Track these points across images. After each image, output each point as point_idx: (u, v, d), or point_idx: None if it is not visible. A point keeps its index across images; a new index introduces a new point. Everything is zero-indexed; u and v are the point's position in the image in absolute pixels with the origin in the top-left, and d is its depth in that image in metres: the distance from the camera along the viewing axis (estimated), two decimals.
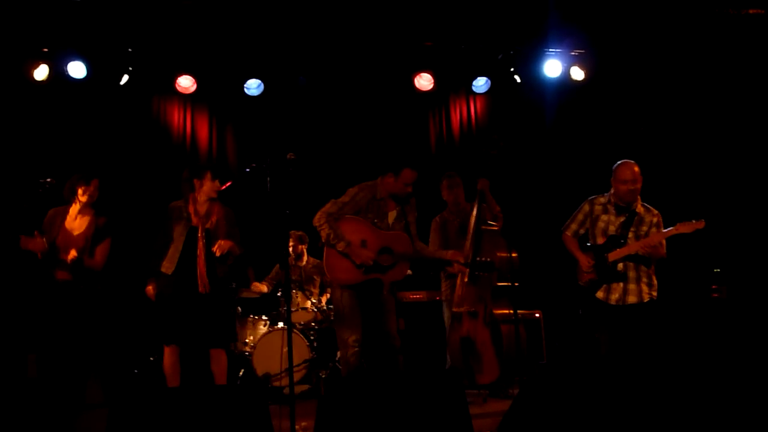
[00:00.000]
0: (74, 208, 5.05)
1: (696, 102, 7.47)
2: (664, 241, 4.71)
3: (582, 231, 4.97)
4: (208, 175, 4.90)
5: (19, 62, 6.88)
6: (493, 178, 5.73)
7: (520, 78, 7.72)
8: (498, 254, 5.59)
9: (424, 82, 7.71)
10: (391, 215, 4.89)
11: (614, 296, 4.76)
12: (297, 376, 5.97)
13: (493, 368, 5.52)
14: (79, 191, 4.99)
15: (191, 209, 4.88)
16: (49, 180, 4.82)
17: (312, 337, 6.30)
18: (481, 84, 7.87)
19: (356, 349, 4.68)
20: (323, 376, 6.15)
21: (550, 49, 7.59)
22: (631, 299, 4.73)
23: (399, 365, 4.82)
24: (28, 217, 4.81)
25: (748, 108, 7.30)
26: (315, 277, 6.93)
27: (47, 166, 6.26)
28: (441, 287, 6.07)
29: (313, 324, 6.42)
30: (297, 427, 4.08)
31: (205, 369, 4.95)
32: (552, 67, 7.60)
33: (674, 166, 7.45)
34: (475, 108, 8.12)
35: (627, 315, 4.72)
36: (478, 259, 5.22)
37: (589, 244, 4.93)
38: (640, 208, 4.80)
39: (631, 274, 4.75)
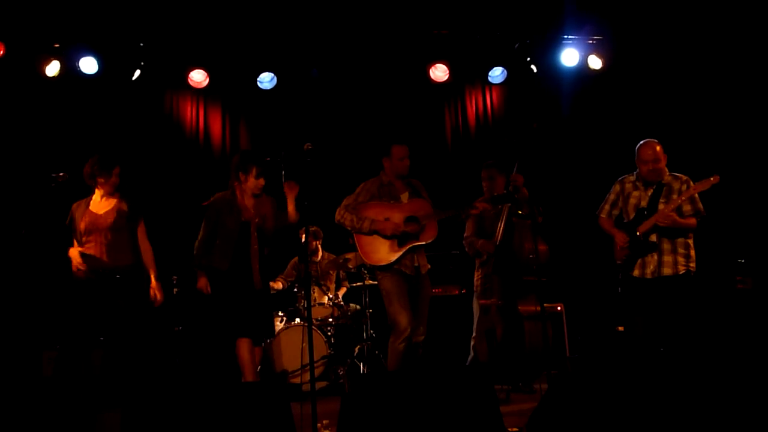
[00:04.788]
0: (98, 193, 4.90)
1: (718, 90, 7.30)
2: (700, 204, 4.75)
3: (616, 212, 5.05)
4: (253, 172, 4.77)
5: (30, 58, 6.82)
6: (528, 170, 5.60)
7: (537, 67, 7.59)
8: (527, 246, 5.50)
9: (439, 73, 7.58)
10: (404, 197, 5.03)
11: (649, 269, 4.74)
12: (315, 373, 5.88)
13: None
14: (101, 181, 4.84)
15: (241, 203, 4.78)
16: (61, 174, 4.74)
17: (329, 333, 6.21)
18: (497, 74, 7.72)
19: (407, 334, 4.73)
20: (341, 373, 6.06)
21: (567, 36, 7.44)
22: (666, 271, 4.70)
23: (418, 357, 4.89)
24: (40, 213, 4.72)
25: None
26: (331, 272, 6.84)
27: (60, 163, 6.19)
28: (473, 278, 5.94)
29: (330, 320, 6.33)
30: (318, 425, 3.99)
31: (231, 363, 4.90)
32: (569, 56, 7.47)
33: (696, 155, 7.30)
34: (491, 99, 7.99)
35: (663, 287, 4.69)
36: (495, 193, 5.31)
37: (624, 221, 4.97)
38: (667, 178, 4.84)
39: (666, 245, 4.73)
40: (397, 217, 4.91)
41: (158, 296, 4.92)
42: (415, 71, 7.61)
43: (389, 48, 7.41)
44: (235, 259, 4.70)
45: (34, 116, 6.97)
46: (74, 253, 4.74)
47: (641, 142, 4.87)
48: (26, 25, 6.65)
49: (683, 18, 7.04)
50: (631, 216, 4.89)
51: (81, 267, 4.70)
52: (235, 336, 4.70)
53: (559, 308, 6.33)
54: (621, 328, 6.76)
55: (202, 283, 4.80)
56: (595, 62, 7.49)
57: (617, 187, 5.02)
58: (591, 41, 7.48)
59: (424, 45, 7.46)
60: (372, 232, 4.85)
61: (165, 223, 7.05)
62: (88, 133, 7.07)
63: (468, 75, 7.89)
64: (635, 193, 4.89)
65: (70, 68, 6.88)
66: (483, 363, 5.52)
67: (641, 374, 3.25)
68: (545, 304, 4.79)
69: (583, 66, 7.51)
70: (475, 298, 5.86)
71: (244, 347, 4.68)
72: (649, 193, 4.82)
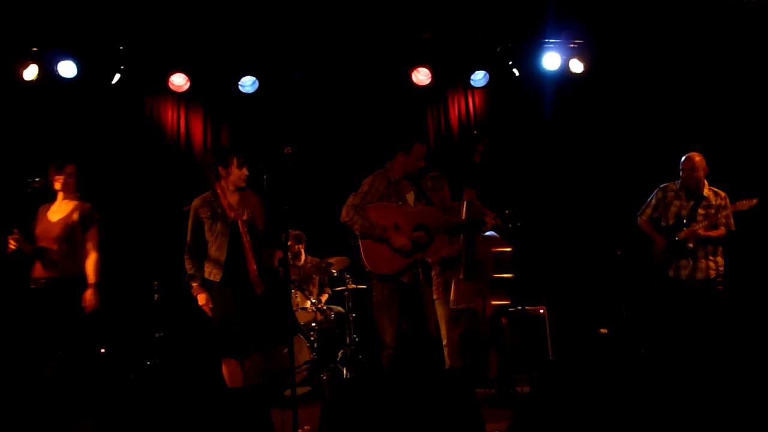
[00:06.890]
0: (58, 199, 4.91)
1: (700, 91, 7.34)
2: (732, 220, 5.33)
3: (655, 215, 5.57)
4: (234, 163, 4.39)
5: (7, 62, 6.73)
6: (480, 183, 5.56)
7: (519, 71, 7.60)
8: (492, 249, 5.50)
9: (421, 76, 7.58)
10: (410, 197, 4.87)
11: (684, 272, 5.34)
12: (298, 378, 5.85)
13: (494, 363, 5.42)
14: (57, 179, 4.84)
15: (224, 202, 4.36)
16: (37, 179, 4.69)
17: (312, 338, 6.17)
18: (479, 78, 7.73)
19: (391, 351, 4.57)
20: (324, 378, 6.02)
21: (549, 40, 7.47)
22: (699, 275, 5.31)
23: (434, 361, 4.81)
24: (16, 217, 4.65)
25: (751, 100, 7.17)
26: (314, 276, 6.80)
27: (37, 168, 6.12)
28: (432, 285, 5.91)
29: (313, 324, 6.29)
30: (299, 430, 3.96)
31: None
32: (551, 60, 7.50)
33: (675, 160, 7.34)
34: (473, 102, 7.99)
35: (696, 290, 5.29)
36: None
37: (662, 225, 5.51)
38: (707, 192, 5.40)
39: (700, 252, 5.32)
40: (405, 223, 4.70)
41: (92, 302, 4.69)
42: (397, 75, 7.59)
43: (372, 52, 7.40)
44: (228, 266, 4.28)
45: (12, 121, 6.87)
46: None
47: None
48: (3, 29, 6.55)
49: (664, 21, 7.09)
50: (671, 222, 5.45)
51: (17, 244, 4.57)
52: (223, 354, 4.30)
53: (541, 311, 6.32)
54: (604, 331, 6.78)
55: (203, 300, 4.34)
56: (577, 66, 7.52)
57: (659, 194, 5.56)
58: (572, 45, 7.51)
59: (407, 49, 7.45)
60: (382, 240, 4.62)
61: (146, 228, 7.00)
62: (66, 138, 6.98)
63: (450, 79, 7.88)
64: (676, 202, 5.46)
65: (48, 72, 6.80)
66: (462, 368, 5.48)
67: (623, 377, 3.25)
68: (527, 307, 4.77)
69: (565, 70, 7.55)
70: (438, 305, 5.81)
71: (226, 369, 4.28)
72: (691, 204, 5.38)
